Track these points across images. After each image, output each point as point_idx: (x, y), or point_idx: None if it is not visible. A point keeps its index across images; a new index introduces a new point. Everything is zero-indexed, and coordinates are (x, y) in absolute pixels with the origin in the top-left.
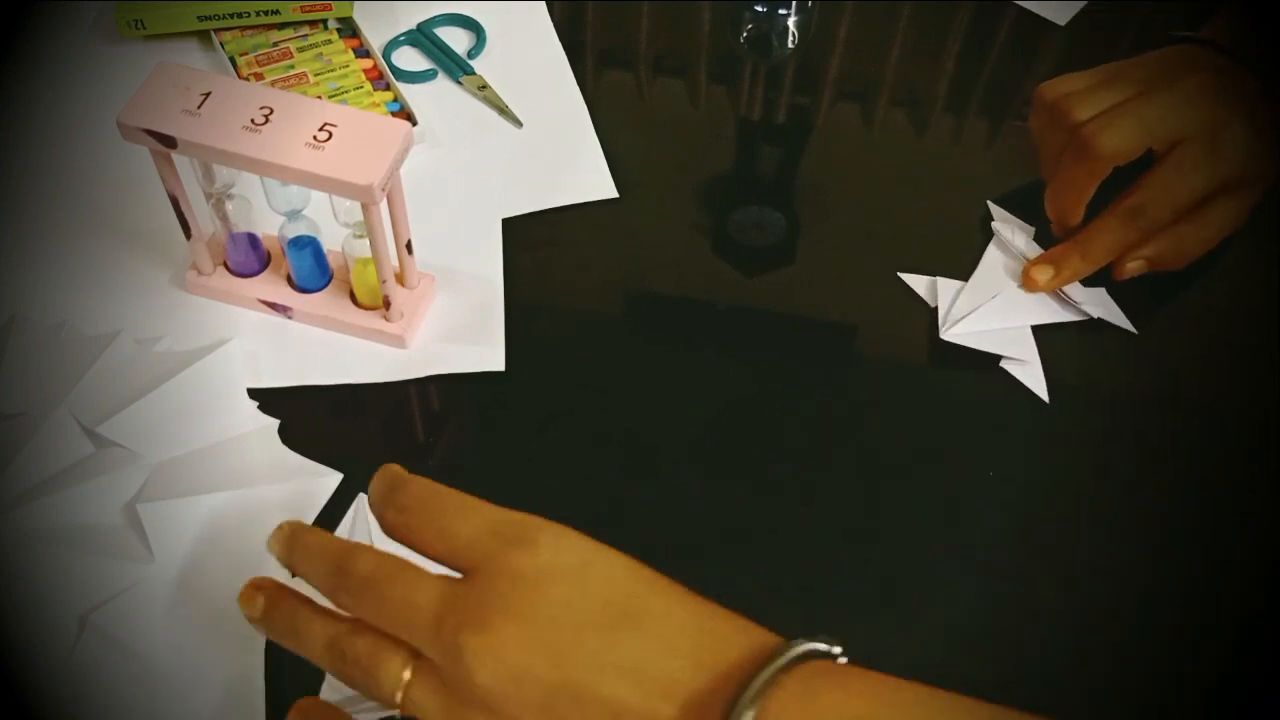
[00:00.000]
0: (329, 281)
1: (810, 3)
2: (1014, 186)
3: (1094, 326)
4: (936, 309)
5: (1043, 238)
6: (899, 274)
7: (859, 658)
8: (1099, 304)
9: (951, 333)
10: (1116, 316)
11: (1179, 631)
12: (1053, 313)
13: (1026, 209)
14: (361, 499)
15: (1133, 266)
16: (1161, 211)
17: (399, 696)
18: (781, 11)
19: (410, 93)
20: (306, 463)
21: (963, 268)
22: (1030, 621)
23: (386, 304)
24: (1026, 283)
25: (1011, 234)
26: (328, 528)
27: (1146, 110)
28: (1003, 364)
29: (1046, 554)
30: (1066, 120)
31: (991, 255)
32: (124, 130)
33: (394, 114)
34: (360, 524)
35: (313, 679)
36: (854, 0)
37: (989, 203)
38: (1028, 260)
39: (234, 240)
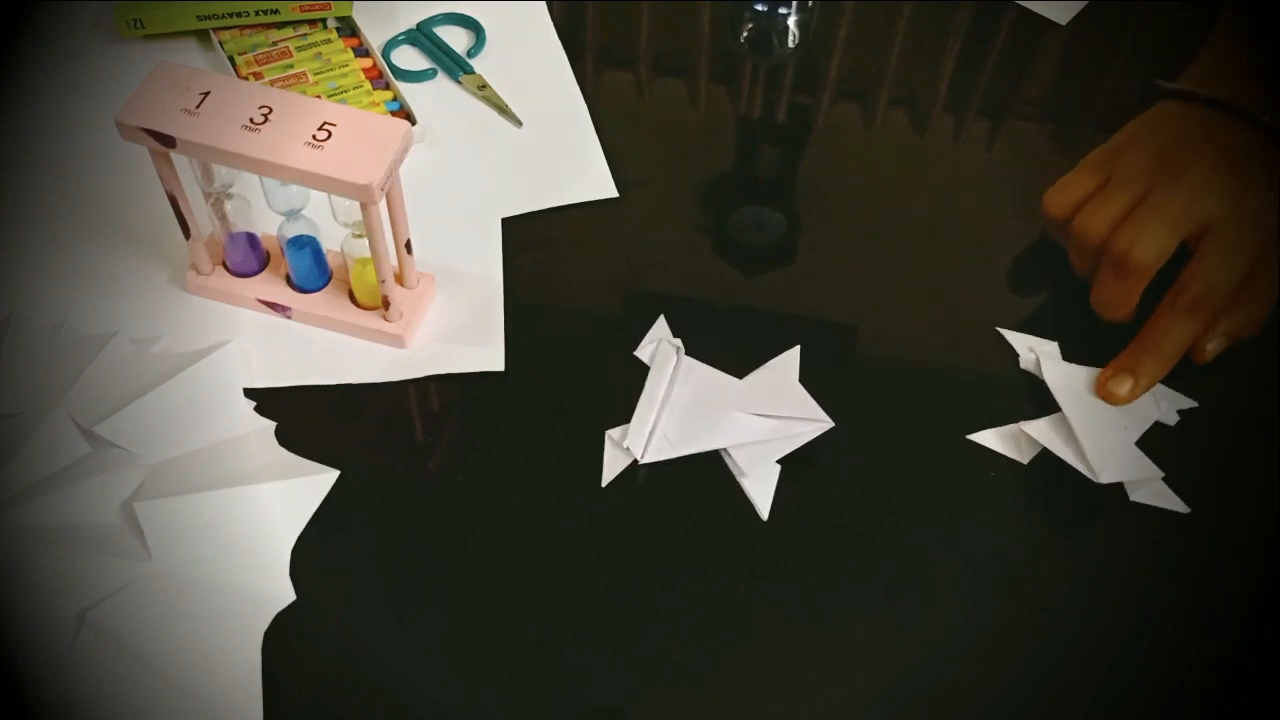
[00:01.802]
0: (328, 281)
1: (810, 3)
2: (1026, 298)
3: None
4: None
5: (1069, 349)
6: (998, 329)
7: (857, 658)
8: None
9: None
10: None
11: (1179, 632)
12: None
13: (1041, 323)
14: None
15: (1213, 348)
16: (1219, 298)
17: None
18: (781, 11)
19: (410, 92)
20: (305, 461)
21: (963, 267)
22: (1030, 621)
23: (386, 304)
24: (1106, 398)
25: (1038, 362)
26: (328, 526)
27: (1168, 207)
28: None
29: (1046, 554)
30: (1088, 240)
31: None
32: (123, 130)
33: (393, 113)
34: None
35: (312, 679)
36: (854, 0)
37: (999, 330)
38: (1097, 376)
39: (233, 240)
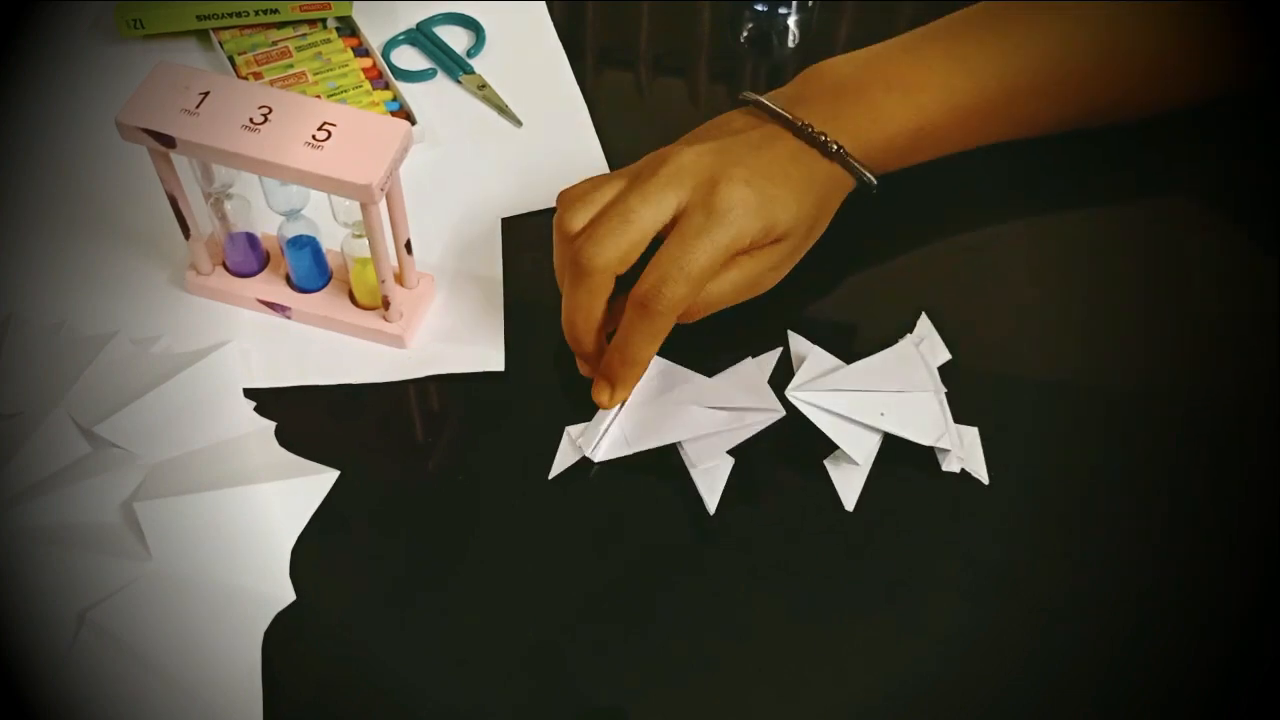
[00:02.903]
0: (328, 281)
1: (810, 3)
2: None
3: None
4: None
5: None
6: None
7: (857, 658)
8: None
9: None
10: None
11: (1179, 632)
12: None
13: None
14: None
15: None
16: (677, 288)
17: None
18: (781, 11)
19: (409, 92)
20: (305, 461)
21: (962, 266)
22: (1030, 621)
23: (386, 304)
24: (597, 402)
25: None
26: (328, 526)
27: (633, 200)
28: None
29: (1046, 554)
30: (559, 234)
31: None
32: (122, 130)
33: (393, 113)
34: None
35: (312, 679)
36: (854, 0)
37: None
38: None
39: (233, 240)
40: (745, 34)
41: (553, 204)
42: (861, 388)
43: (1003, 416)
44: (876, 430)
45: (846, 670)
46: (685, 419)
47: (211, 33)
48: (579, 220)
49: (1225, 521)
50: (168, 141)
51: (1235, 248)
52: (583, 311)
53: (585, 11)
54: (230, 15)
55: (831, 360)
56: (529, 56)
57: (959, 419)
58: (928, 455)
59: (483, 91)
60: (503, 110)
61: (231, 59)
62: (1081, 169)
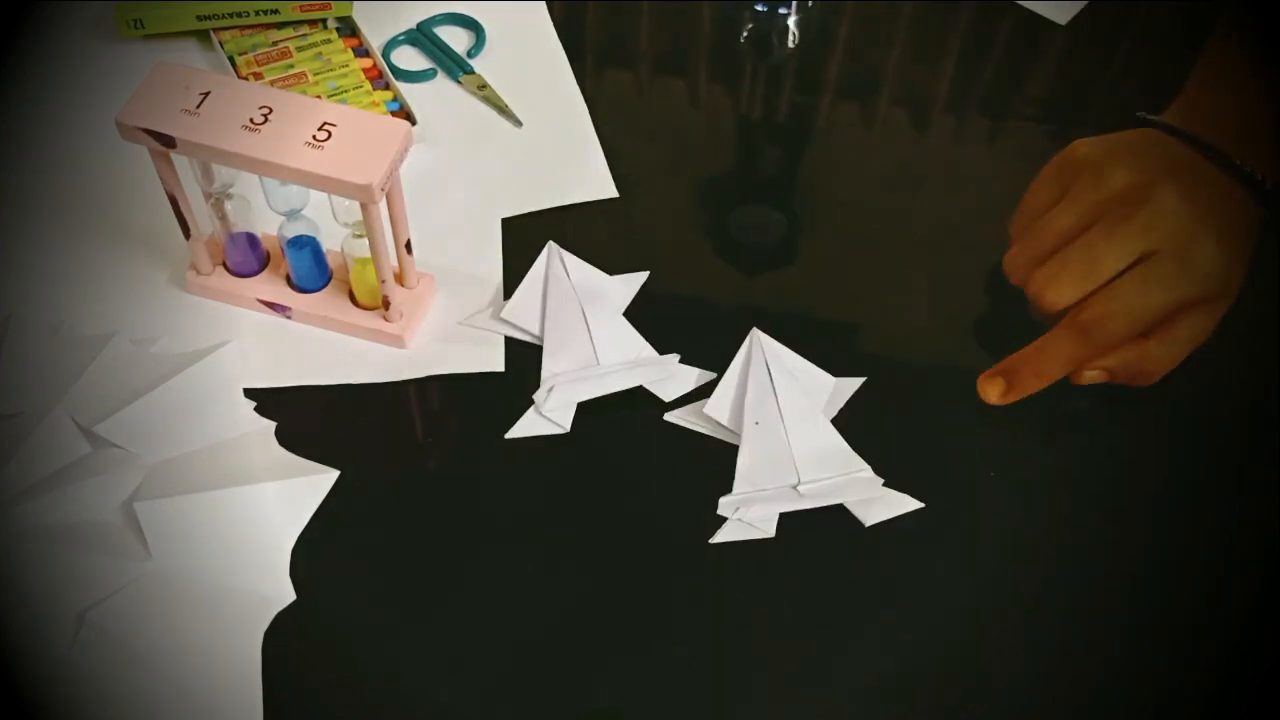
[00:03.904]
0: (328, 281)
1: (810, 3)
2: None
3: None
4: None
5: None
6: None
7: (858, 658)
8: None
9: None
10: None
11: (1179, 632)
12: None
13: None
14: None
15: (1091, 375)
16: (1119, 327)
17: None
18: (781, 11)
19: (410, 92)
20: (305, 461)
21: (961, 267)
22: (1030, 621)
23: (386, 304)
24: (980, 393)
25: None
26: (328, 526)
27: (1100, 246)
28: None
29: (1045, 554)
30: (1016, 268)
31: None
32: (123, 130)
33: (393, 113)
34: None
35: (312, 679)
36: (854, 0)
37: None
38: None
39: (233, 240)
40: (745, 34)
41: (553, 204)
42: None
43: (997, 414)
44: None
45: (846, 670)
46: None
47: (212, 33)
48: (1047, 244)
49: (1225, 521)
50: (168, 141)
51: None
52: (1065, 364)
53: (585, 11)
54: (230, 15)
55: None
56: (529, 56)
57: (958, 419)
58: (928, 454)
59: (483, 91)
60: (503, 110)
61: (232, 59)
62: None
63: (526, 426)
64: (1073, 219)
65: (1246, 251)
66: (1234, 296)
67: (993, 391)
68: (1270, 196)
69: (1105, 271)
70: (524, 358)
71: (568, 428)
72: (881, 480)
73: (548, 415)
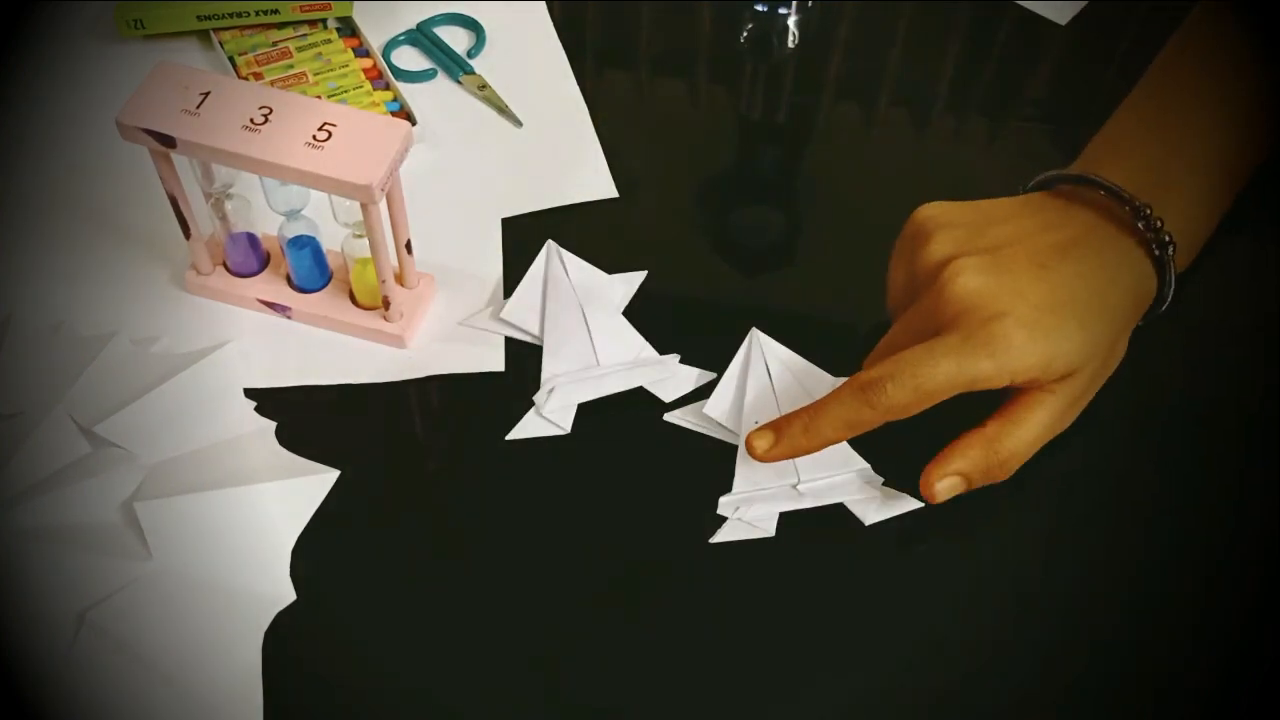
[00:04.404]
0: (328, 281)
1: (810, 3)
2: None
3: None
4: None
5: None
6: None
7: (857, 652)
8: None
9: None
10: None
11: (1179, 632)
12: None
13: None
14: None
15: (945, 486)
16: (899, 393)
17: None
18: (781, 11)
19: (410, 92)
20: (305, 461)
21: None
22: (1028, 622)
23: (386, 304)
24: (748, 448)
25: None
26: (328, 526)
27: (943, 370)
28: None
29: (1045, 554)
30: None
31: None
32: (123, 130)
33: (393, 114)
34: (554, 266)
35: (312, 679)
36: (854, 0)
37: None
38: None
39: (233, 240)
40: (745, 34)
41: (553, 204)
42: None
43: None
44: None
45: (846, 670)
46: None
47: (212, 33)
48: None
49: (1225, 521)
50: (168, 141)
51: (1236, 246)
52: (839, 426)
53: (585, 11)
54: (231, 15)
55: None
56: (529, 56)
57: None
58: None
59: (483, 91)
60: (503, 110)
61: (232, 59)
62: None
63: (527, 428)
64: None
65: (1098, 327)
66: (1088, 376)
67: (759, 444)
68: (1167, 256)
69: (940, 393)
70: (524, 358)
71: (568, 429)
72: (881, 479)
73: (548, 417)
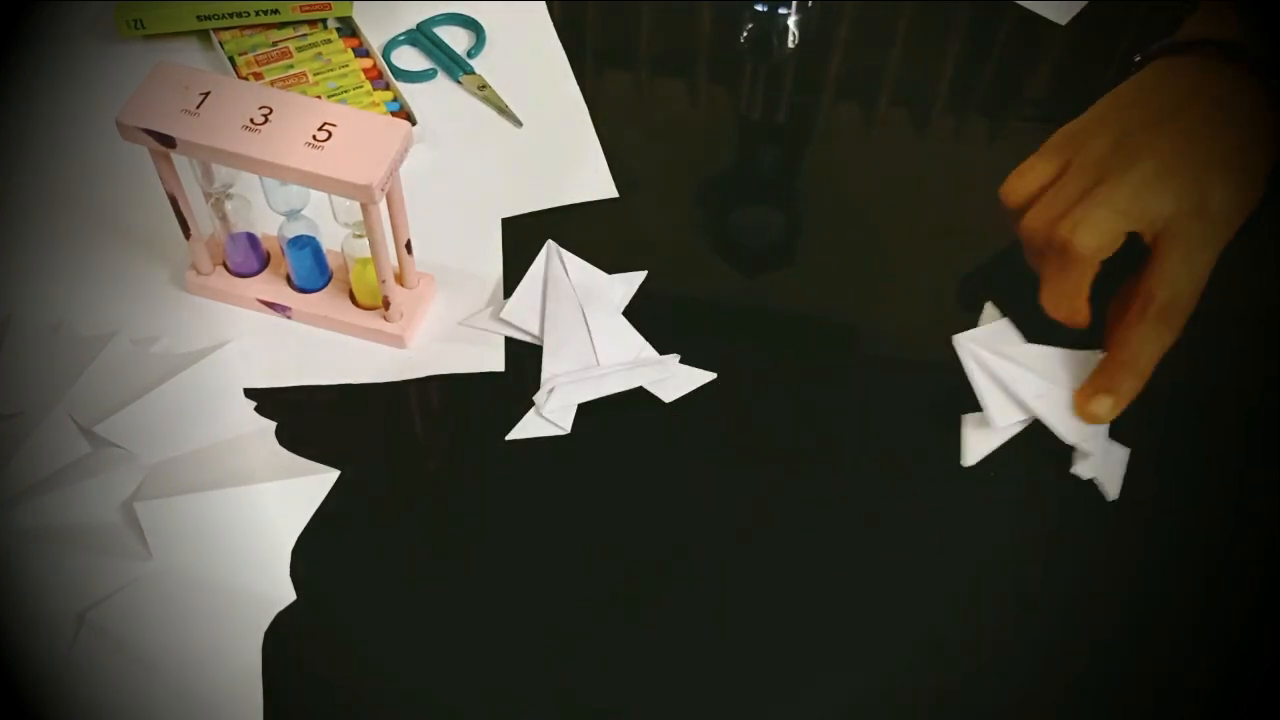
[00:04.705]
0: (328, 281)
1: (810, 3)
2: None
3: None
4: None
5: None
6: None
7: (857, 652)
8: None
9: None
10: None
11: (1179, 632)
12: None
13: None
14: (551, 245)
15: (1103, 410)
16: (1189, 301)
17: None
18: (781, 11)
19: (410, 92)
20: (305, 461)
21: (961, 267)
22: (1028, 621)
23: (386, 304)
24: (1086, 417)
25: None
26: (328, 526)
27: (1115, 195)
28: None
29: (1046, 554)
30: (1036, 234)
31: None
32: (123, 130)
33: (393, 114)
34: (554, 266)
35: (312, 679)
36: (854, 0)
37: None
38: (1075, 390)
39: (233, 240)
40: (745, 34)
41: (553, 204)
42: (1030, 367)
43: None
44: (1026, 409)
45: (846, 669)
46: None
47: (212, 33)
48: (1056, 207)
49: (1225, 521)
50: (168, 142)
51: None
52: (1072, 294)
53: (585, 11)
54: (231, 15)
55: (1014, 333)
56: (529, 56)
57: (958, 418)
58: (929, 454)
59: (483, 91)
60: (503, 110)
61: (232, 59)
62: None
63: (527, 428)
64: (1082, 179)
65: (1266, 159)
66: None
67: (1102, 409)
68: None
69: (1128, 215)
70: (524, 358)
71: (568, 429)
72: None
73: (548, 417)
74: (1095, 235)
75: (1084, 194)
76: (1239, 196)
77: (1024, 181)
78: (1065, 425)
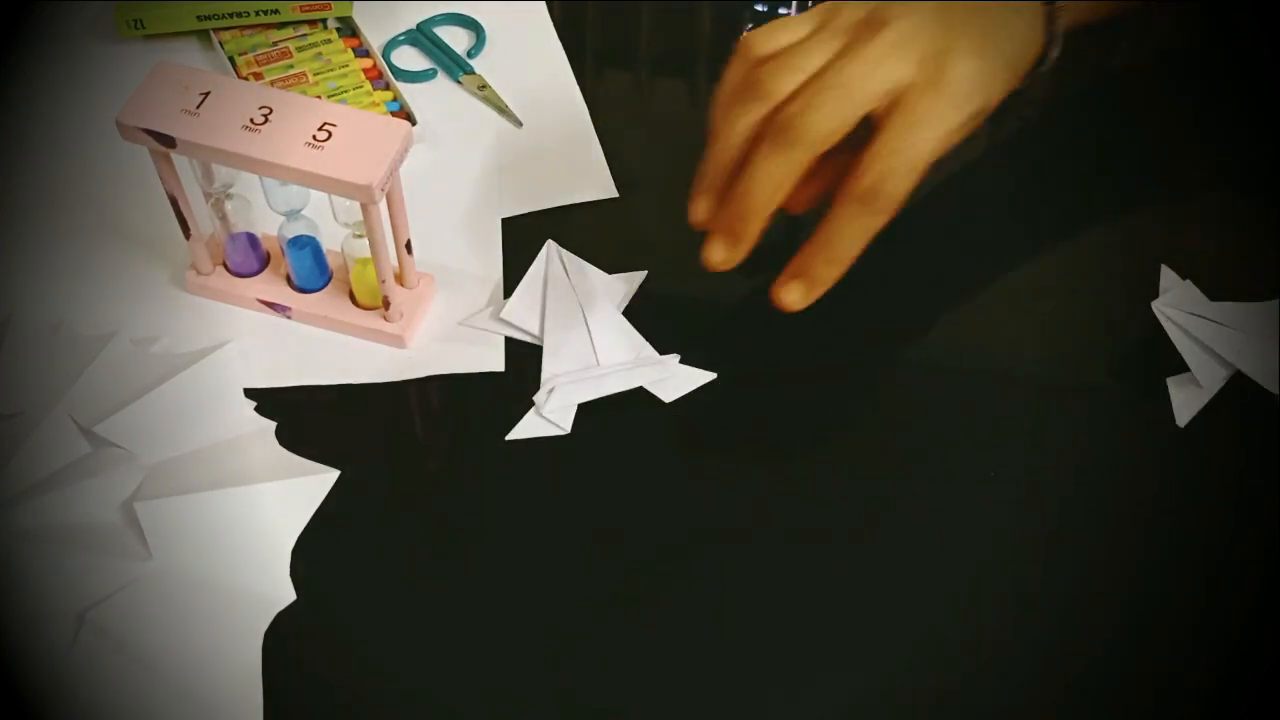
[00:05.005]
0: (328, 281)
1: (810, 3)
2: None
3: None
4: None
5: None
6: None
7: (857, 652)
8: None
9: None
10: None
11: (1179, 632)
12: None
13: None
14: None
15: (792, 299)
16: (901, 183)
17: None
18: (782, 11)
19: (410, 92)
20: (305, 461)
21: (962, 267)
22: (1028, 621)
23: (386, 304)
24: (778, 305)
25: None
26: (328, 526)
27: (852, 71)
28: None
29: (1045, 553)
30: (761, 91)
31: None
32: (123, 130)
33: (393, 113)
34: (554, 266)
35: (312, 679)
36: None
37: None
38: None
39: (233, 240)
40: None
41: (553, 204)
42: (1224, 322)
43: (1001, 415)
44: (1227, 364)
45: (846, 669)
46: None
47: (212, 33)
48: (786, 84)
49: (1225, 521)
50: (168, 141)
51: (1234, 242)
52: (774, 182)
53: (585, 11)
54: (230, 15)
55: (1199, 294)
56: (529, 56)
57: (959, 418)
58: (929, 454)
59: (483, 91)
60: (503, 110)
61: (232, 59)
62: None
63: (527, 428)
64: (823, 45)
65: (1013, 69)
66: (992, 109)
67: (791, 297)
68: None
69: (861, 97)
70: (524, 358)
71: (568, 429)
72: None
73: (548, 417)
74: (823, 123)
75: (822, 66)
76: (983, 76)
77: (774, 35)
78: (1268, 377)
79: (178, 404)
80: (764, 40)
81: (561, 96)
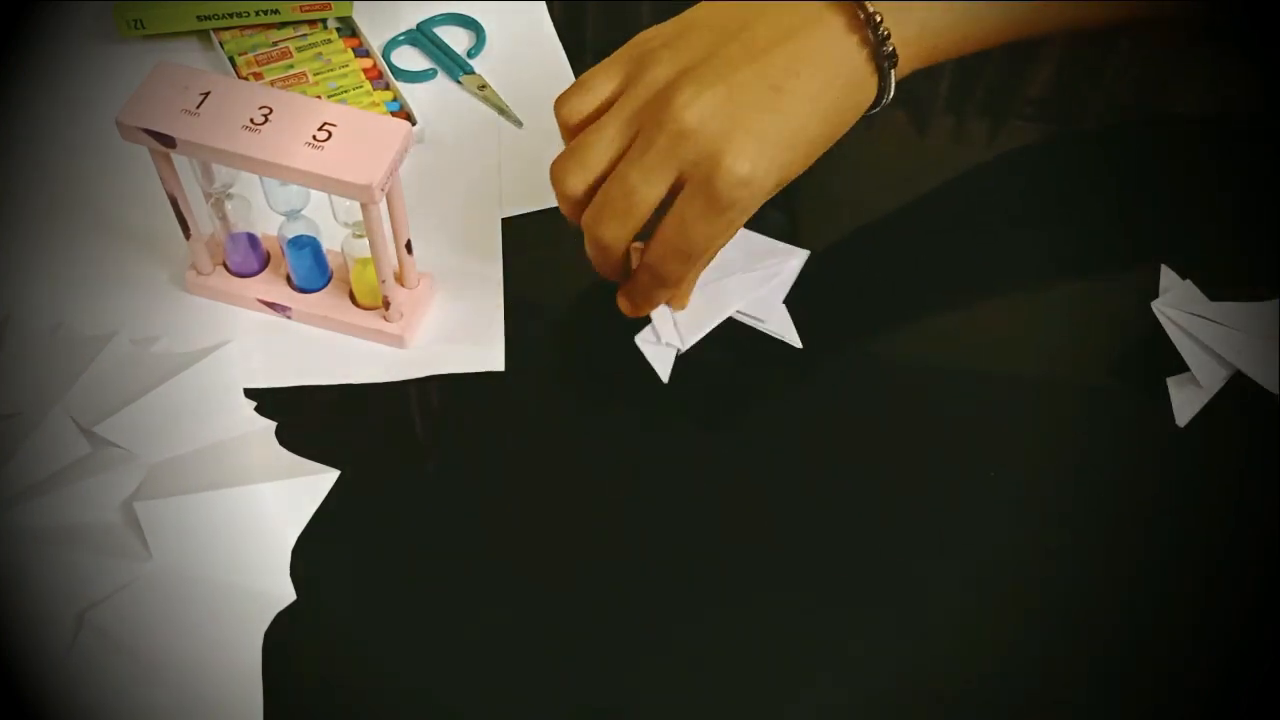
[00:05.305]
0: (328, 281)
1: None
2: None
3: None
4: None
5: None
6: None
7: (857, 652)
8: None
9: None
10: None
11: (1179, 632)
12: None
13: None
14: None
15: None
16: (680, 268)
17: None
18: None
19: (410, 92)
20: (304, 461)
21: (962, 266)
22: (1028, 621)
23: (386, 304)
24: (625, 311)
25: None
26: (328, 526)
27: (634, 179)
28: None
29: (1046, 552)
30: (558, 188)
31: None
32: (123, 130)
33: (393, 114)
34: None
35: (312, 679)
36: None
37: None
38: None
39: (233, 240)
40: None
41: (553, 204)
42: (1223, 322)
43: (998, 414)
44: (1227, 364)
45: (847, 670)
46: (730, 291)
47: (212, 33)
48: (578, 183)
49: (1225, 521)
50: (168, 141)
51: (1233, 241)
52: (604, 261)
53: (585, 11)
54: (230, 15)
55: (1199, 294)
56: (529, 56)
57: (959, 418)
58: (929, 454)
59: (483, 92)
60: (503, 110)
61: (232, 59)
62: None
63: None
64: (614, 131)
65: (820, 141)
66: (799, 172)
67: (623, 306)
68: (888, 59)
69: (644, 206)
70: (524, 357)
71: (685, 348)
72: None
73: (676, 325)
74: (614, 231)
75: (608, 166)
76: (759, 170)
77: (582, 98)
78: (1268, 377)
79: (178, 404)
80: (572, 106)
81: None
